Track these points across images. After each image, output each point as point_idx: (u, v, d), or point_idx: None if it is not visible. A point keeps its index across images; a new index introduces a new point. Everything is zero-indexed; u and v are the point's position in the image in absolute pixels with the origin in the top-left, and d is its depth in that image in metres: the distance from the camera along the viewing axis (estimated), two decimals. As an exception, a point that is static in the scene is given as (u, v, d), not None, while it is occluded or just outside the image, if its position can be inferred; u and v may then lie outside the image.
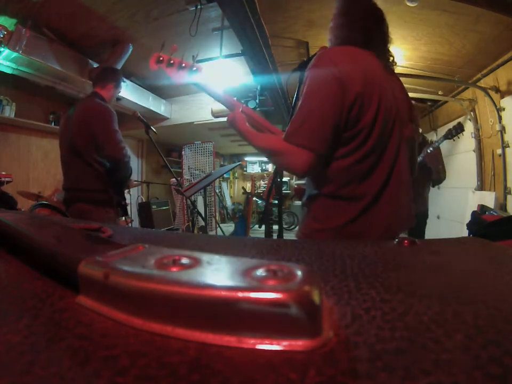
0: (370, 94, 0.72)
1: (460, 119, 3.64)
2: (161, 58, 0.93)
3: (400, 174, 0.78)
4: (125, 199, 1.74)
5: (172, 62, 0.93)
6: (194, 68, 0.93)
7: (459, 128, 2.15)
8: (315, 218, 0.80)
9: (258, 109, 3.67)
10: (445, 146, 3.94)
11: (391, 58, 0.84)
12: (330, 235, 0.76)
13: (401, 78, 0.90)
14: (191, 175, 5.03)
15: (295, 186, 1.04)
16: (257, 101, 3.53)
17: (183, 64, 0.93)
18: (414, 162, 0.87)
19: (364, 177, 0.74)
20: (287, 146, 0.73)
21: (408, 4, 2.14)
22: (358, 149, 0.73)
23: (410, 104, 0.87)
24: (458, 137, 2.20)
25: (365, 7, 0.81)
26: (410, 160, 0.83)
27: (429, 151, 1.96)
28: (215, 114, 4.03)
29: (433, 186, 2.09)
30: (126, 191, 2.53)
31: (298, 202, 6.19)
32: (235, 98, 0.94)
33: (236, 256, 0.26)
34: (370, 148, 0.73)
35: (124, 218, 3.23)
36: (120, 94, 3.41)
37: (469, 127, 3.49)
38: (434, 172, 1.97)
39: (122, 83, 1.75)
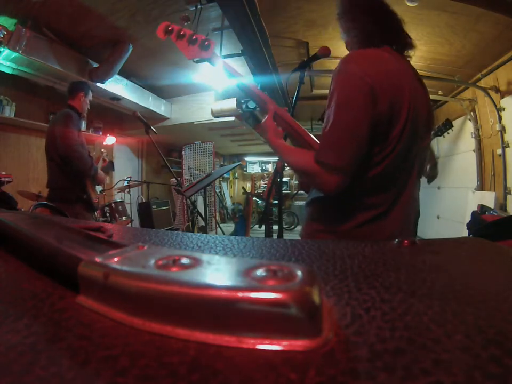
0: (399, 107, 0.68)
1: (460, 119, 3.64)
2: (170, 28, 0.83)
3: (413, 185, 0.76)
4: (87, 193, 1.86)
5: (182, 33, 0.83)
6: (207, 43, 0.83)
7: (447, 124, 2.14)
8: (319, 220, 0.79)
9: (258, 109, 3.67)
10: (445, 146, 3.95)
11: (409, 41, 0.78)
12: (333, 237, 0.75)
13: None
14: (191, 175, 5.03)
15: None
16: (257, 101, 3.52)
17: (195, 37, 0.83)
18: (422, 168, 0.85)
19: (381, 189, 0.73)
20: (317, 169, 0.69)
21: (408, 3, 2.14)
22: (380, 163, 0.70)
23: (430, 113, 0.81)
24: (448, 133, 2.20)
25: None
26: (419, 167, 0.81)
27: None
28: (215, 114, 4.03)
29: (429, 183, 2.09)
30: (100, 188, 2.73)
31: (298, 202, 6.20)
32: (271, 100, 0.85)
33: (236, 256, 0.26)
34: (391, 161, 0.70)
35: (123, 218, 3.24)
36: (120, 94, 3.47)
37: (469, 127, 3.50)
38: (429, 169, 1.96)
39: (90, 92, 1.96)
